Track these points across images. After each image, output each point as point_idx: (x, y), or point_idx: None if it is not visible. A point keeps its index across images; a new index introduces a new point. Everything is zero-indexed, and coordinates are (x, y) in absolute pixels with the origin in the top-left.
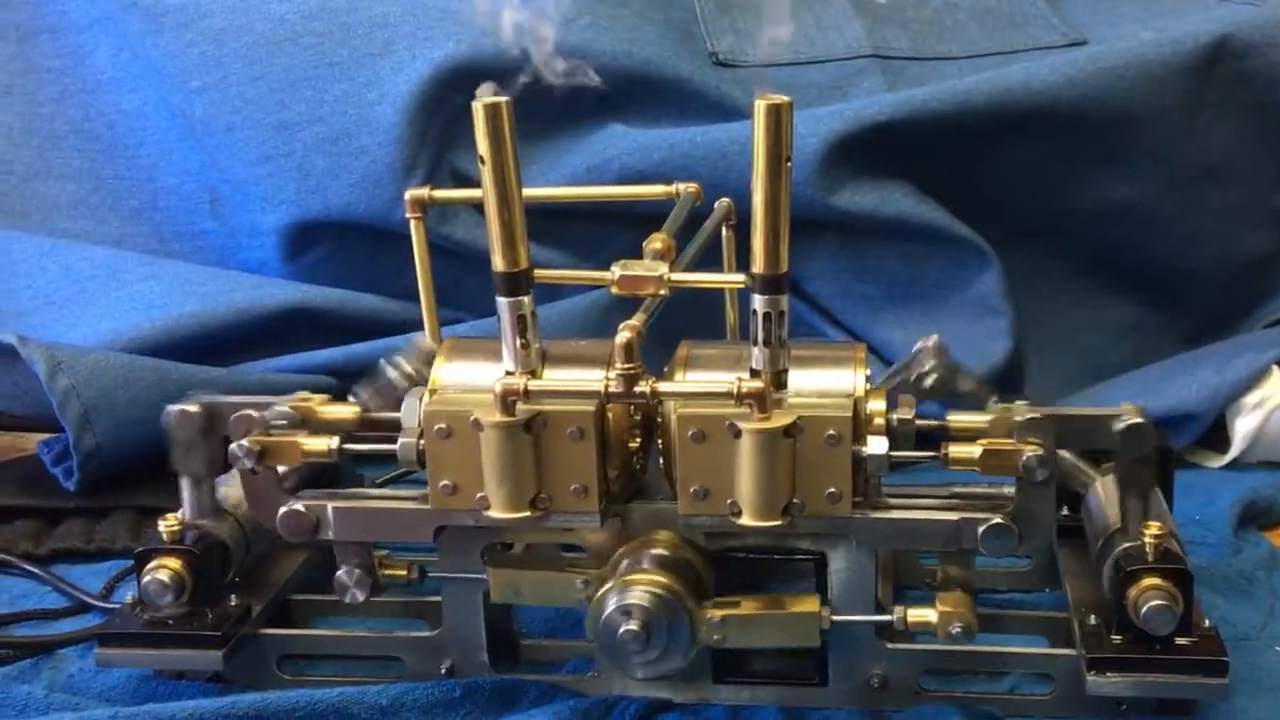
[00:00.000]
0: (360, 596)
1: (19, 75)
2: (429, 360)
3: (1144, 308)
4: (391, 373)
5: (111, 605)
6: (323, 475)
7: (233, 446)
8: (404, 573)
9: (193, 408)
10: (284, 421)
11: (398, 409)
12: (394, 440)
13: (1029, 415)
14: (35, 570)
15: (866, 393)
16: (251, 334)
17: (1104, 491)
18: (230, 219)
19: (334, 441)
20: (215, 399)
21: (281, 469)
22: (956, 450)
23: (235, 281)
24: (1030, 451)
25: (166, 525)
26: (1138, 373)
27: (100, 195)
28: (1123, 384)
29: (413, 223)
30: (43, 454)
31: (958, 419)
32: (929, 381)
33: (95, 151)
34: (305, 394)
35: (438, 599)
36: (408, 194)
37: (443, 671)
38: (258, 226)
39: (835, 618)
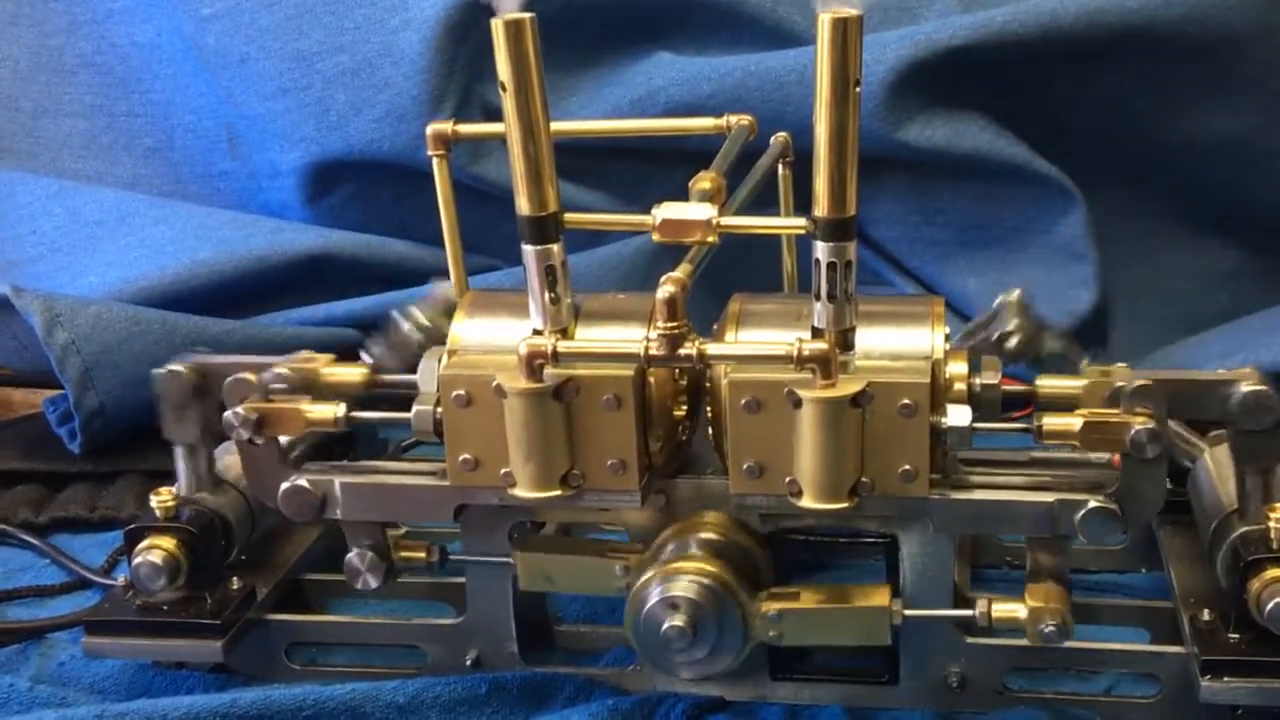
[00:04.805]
0: (373, 583)
1: (25, 5)
2: (449, 310)
3: (1243, 252)
4: (405, 325)
5: (112, 582)
6: (336, 440)
7: (227, 415)
8: (423, 555)
9: (182, 368)
10: (283, 385)
11: (414, 367)
12: (410, 406)
13: (1137, 382)
14: (34, 541)
15: (946, 354)
16: (270, 283)
17: (1215, 464)
18: (249, 159)
19: (341, 409)
20: (208, 359)
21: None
22: (1052, 423)
23: (253, 226)
24: (1140, 424)
25: (159, 500)
26: (1236, 324)
27: (112, 134)
28: (1219, 336)
29: (435, 161)
30: (48, 412)
31: (1048, 384)
32: (1013, 342)
33: (107, 86)
34: (308, 353)
35: (464, 580)
36: (429, 128)
37: (468, 663)
38: (277, 166)
39: (908, 612)
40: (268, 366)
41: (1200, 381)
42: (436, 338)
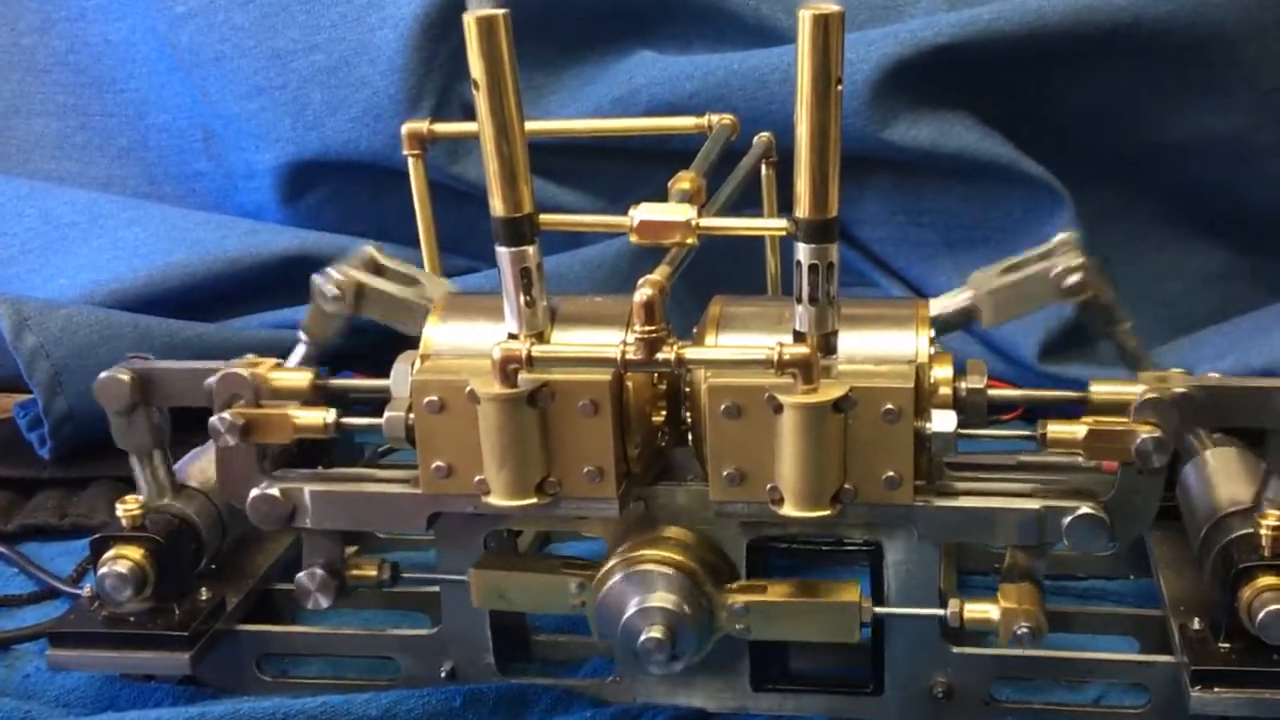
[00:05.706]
0: (324, 602)
1: None
2: (373, 267)
3: (1233, 253)
4: (327, 287)
5: (81, 592)
6: (313, 448)
7: (213, 420)
8: (374, 573)
9: (123, 375)
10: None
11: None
12: None
13: (1149, 394)
14: (2, 549)
15: (931, 358)
16: (245, 285)
17: (1213, 466)
18: (225, 159)
19: (331, 415)
20: (149, 364)
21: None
22: (1057, 430)
23: (228, 227)
24: (1146, 433)
25: (126, 509)
26: (1226, 325)
27: (86, 133)
28: (1209, 338)
29: (411, 160)
30: (18, 417)
31: (1103, 390)
32: (1074, 279)
33: (80, 85)
34: (253, 357)
35: (438, 590)
36: (404, 128)
37: (443, 675)
38: (252, 167)
39: (878, 609)
40: (211, 371)
41: (1253, 389)
42: (361, 294)
